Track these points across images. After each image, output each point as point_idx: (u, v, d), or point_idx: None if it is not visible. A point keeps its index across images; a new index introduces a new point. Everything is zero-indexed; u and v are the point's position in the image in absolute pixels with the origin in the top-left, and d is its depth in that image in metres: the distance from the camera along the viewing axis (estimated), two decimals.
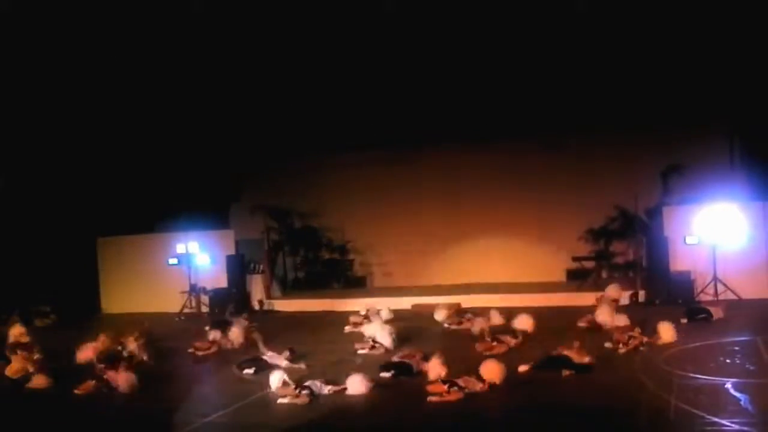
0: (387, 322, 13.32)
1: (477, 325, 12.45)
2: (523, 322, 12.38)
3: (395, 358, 10.60)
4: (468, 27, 14.34)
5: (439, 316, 14.49)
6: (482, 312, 13.91)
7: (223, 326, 14.74)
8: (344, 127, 18.62)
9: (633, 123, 17.40)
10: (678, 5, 13.41)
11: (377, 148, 19.46)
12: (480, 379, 9.07)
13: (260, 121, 18.24)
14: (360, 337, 12.58)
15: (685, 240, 15.36)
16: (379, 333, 12.10)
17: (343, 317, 15.12)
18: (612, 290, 14.32)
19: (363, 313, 14.48)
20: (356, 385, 9.30)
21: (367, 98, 17.01)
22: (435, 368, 9.50)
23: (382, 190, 20.02)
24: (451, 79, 16.24)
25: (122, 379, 10.25)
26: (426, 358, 10.22)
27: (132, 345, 13.32)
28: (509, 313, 13.29)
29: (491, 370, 9.16)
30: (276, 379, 9.58)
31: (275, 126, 18.50)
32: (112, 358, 11.77)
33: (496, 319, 13.40)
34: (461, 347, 11.74)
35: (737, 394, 8.29)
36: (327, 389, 9.31)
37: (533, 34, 14.53)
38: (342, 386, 9.34)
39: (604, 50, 14.90)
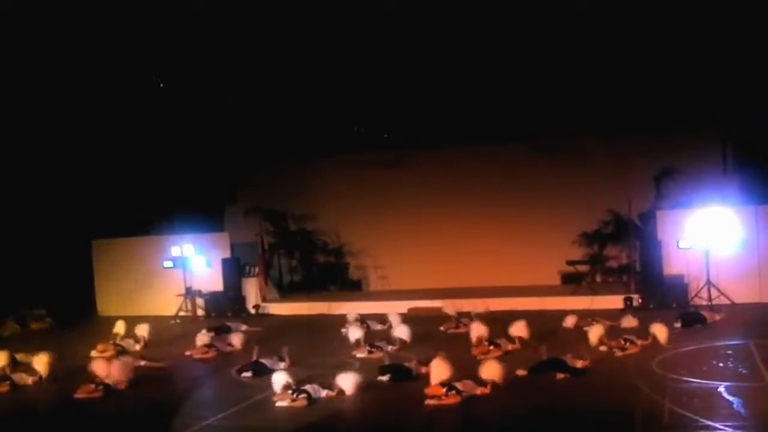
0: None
1: (475, 331, 12.35)
2: (519, 330, 12.22)
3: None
4: (463, 32, 14.42)
5: (569, 322, 13.73)
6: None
7: (221, 331, 14.84)
8: (340, 130, 18.70)
9: (626, 127, 17.50)
10: (671, 11, 13.52)
11: (372, 151, 19.54)
12: (478, 382, 9.14)
13: (256, 123, 18.26)
14: (357, 342, 12.67)
15: (678, 244, 15.47)
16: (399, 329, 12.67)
17: (339, 320, 15.20)
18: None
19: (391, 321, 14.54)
20: (346, 383, 9.38)
21: (363, 101, 17.08)
22: (438, 369, 9.45)
23: (378, 193, 20.08)
24: (446, 83, 16.32)
25: (115, 368, 10.35)
26: (422, 362, 10.34)
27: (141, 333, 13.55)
28: (507, 318, 13.34)
29: (491, 370, 9.23)
30: (279, 380, 9.58)
31: (271, 128, 18.53)
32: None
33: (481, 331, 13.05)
34: (459, 351, 11.83)
35: (730, 398, 8.39)
36: (325, 393, 9.38)
37: (528, 38, 14.61)
38: (338, 390, 9.39)
39: (598, 55, 14.98)
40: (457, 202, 19.37)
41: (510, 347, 11.64)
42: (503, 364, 9.59)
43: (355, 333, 12.86)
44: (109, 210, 18.82)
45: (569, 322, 13.63)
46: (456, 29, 14.24)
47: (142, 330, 14.16)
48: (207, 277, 18.31)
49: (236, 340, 13.25)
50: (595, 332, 11.66)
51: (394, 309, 16.35)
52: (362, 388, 9.48)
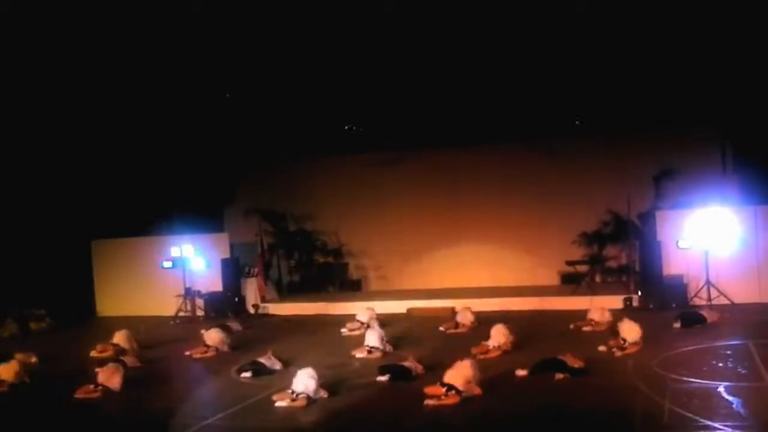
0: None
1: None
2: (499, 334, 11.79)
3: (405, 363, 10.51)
4: (462, 32, 14.41)
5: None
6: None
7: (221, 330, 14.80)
8: (339, 130, 18.69)
9: (626, 128, 17.51)
10: (671, 12, 13.52)
11: (372, 151, 19.54)
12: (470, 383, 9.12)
13: (255, 123, 18.26)
14: (357, 342, 12.65)
15: (677, 244, 15.47)
16: (371, 336, 12.21)
17: (339, 321, 15.18)
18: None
19: (363, 320, 14.49)
20: (303, 380, 9.25)
21: (363, 101, 17.07)
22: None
23: (377, 193, 20.07)
24: (446, 84, 16.31)
25: (105, 375, 10.33)
26: (421, 362, 10.35)
27: (123, 344, 13.45)
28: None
29: (454, 376, 9.08)
30: (305, 376, 9.39)
31: (270, 129, 18.52)
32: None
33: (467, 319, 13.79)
34: (457, 351, 11.83)
35: (730, 398, 8.39)
36: (323, 393, 9.37)
37: (527, 38, 14.60)
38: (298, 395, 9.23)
39: (598, 55, 14.98)
40: (457, 203, 19.37)
41: (508, 348, 11.61)
42: (499, 366, 9.58)
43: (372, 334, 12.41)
44: (109, 210, 18.79)
45: (595, 315, 13.42)
46: (456, 29, 14.23)
47: (123, 337, 13.68)
48: (206, 278, 18.27)
49: (212, 339, 13.13)
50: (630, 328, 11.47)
51: (394, 309, 16.40)
52: (328, 389, 9.42)
